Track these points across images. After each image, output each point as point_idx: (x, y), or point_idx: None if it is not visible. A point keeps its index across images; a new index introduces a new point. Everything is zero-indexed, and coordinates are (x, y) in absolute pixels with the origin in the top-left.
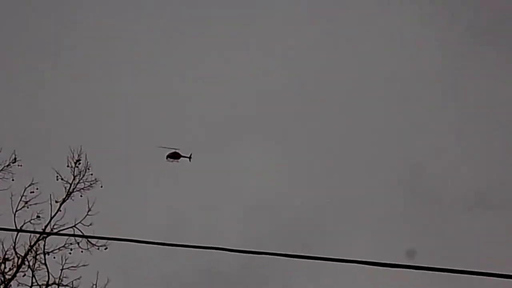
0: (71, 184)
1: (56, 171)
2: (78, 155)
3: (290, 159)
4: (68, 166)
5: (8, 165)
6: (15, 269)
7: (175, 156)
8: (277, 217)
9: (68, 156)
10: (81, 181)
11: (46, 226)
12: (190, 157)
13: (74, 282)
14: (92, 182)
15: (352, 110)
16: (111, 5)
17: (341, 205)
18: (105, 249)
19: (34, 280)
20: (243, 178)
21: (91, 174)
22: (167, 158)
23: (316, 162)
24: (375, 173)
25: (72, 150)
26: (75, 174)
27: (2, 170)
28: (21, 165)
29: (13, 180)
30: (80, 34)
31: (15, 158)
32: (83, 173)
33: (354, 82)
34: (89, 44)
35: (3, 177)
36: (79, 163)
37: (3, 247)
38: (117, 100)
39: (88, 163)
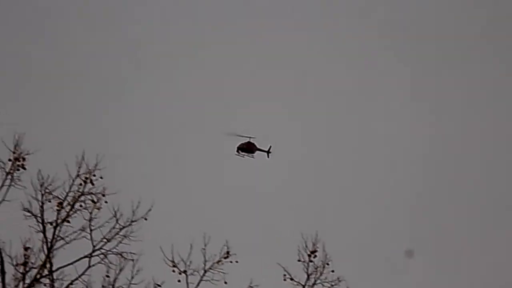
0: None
1: (284, 269)
2: (314, 244)
3: None
4: (300, 260)
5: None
6: None
7: (248, 148)
8: None
9: (299, 246)
10: (319, 281)
11: None
12: (269, 151)
13: None
14: (334, 283)
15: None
16: None
17: None
18: None
19: None
20: None
21: (332, 271)
22: (237, 151)
23: None
24: None
25: (305, 237)
26: (309, 272)
27: None
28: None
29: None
30: None
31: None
32: (321, 269)
33: None
34: None
35: None
36: (315, 256)
37: None
38: None
39: (327, 256)
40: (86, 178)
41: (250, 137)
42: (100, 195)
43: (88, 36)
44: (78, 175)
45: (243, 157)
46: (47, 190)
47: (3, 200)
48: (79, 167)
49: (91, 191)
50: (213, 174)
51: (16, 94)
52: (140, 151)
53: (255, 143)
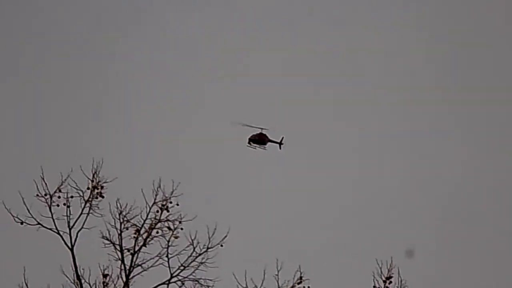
0: None
1: None
2: (388, 270)
3: None
4: (375, 286)
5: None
6: None
7: (260, 139)
8: None
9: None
10: None
11: None
12: (281, 143)
13: None
14: None
15: None
16: None
17: None
18: None
19: None
20: None
21: None
22: (249, 142)
23: None
24: None
25: (379, 262)
26: None
27: None
28: None
29: None
30: None
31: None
32: None
33: None
34: None
35: None
36: (390, 281)
37: None
38: None
39: (403, 282)
40: (163, 205)
41: (262, 128)
42: (176, 222)
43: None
44: (155, 203)
45: (255, 148)
46: (125, 218)
47: (82, 227)
48: (156, 195)
49: (167, 218)
50: (281, 195)
51: (94, 120)
52: (211, 177)
53: (267, 135)
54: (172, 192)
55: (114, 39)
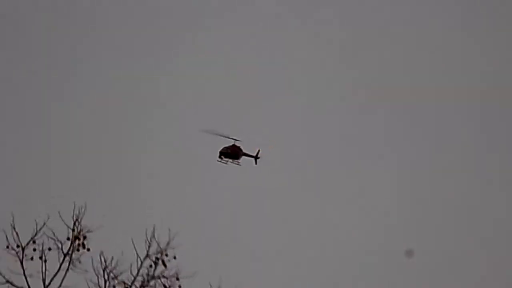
0: None
1: None
2: None
3: None
4: None
5: None
6: None
7: (233, 153)
8: None
9: None
10: None
11: None
12: (257, 156)
13: None
14: None
15: None
16: None
17: None
18: None
19: None
20: None
21: None
22: (220, 156)
23: None
24: None
25: None
26: None
27: None
28: None
29: None
30: None
31: None
32: None
33: None
34: None
35: None
36: None
37: None
38: None
39: None
40: (157, 258)
41: (235, 139)
42: (173, 279)
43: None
44: (147, 256)
45: (226, 163)
46: (111, 274)
47: (61, 286)
48: (149, 246)
49: (163, 274)
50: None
51: (74, 162)
52: (212, 226)
53: (241, 147)
54: (168, 243)
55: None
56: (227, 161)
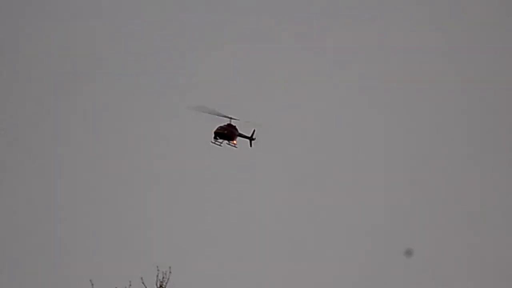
0: None
1: None
2: None
3: None
4: None
5: None
6: None
7: (228, 133)
8: None
9: None
10: None
11: None
12: (252, 137)
13: None
14: None
15: None
16: None
17: None
18: None
19: None
20: None
21: None
22: (215, 137)
23: None
24: None
25: None
26: None
27: None
28: None
29: None
30: None
31: None
32: None
33: None
34: None
35: None
36: None
37: None
38: None
39: None
40: None
41: (231, 118)
42: None
43: None
44: None
45: (220, 145)
46: None
47: None
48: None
49: None
50: None
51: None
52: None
53: (236, 127)
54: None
55: None
56: (222, 142)
